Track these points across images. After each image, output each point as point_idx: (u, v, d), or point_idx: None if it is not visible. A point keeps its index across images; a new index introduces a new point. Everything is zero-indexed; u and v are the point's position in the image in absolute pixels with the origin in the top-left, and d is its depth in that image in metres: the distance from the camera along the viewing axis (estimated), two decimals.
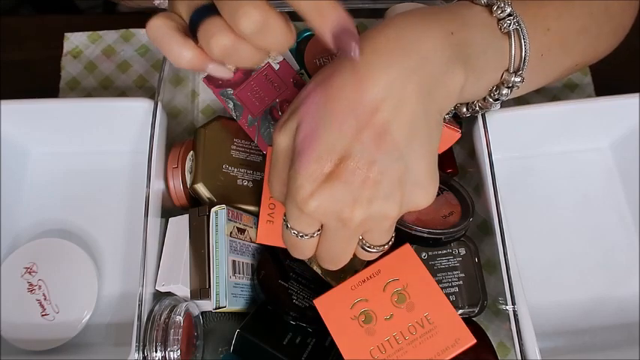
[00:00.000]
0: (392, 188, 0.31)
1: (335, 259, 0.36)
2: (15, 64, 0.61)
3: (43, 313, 0.48)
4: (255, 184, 0.49)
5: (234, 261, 0.44)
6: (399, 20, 0.33)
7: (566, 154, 0.56)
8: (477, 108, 0.39)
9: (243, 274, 0.46)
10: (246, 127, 0.48)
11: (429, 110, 0.32)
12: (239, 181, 0.48)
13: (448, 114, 0.41)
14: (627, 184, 0.55)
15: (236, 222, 0.46)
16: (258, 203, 0.48)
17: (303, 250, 0.36)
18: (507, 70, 0.36)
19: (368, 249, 0.35)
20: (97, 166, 0.56)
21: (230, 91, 0.48)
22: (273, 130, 0.36)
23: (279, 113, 0.48)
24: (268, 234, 0.45)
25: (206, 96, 0.58)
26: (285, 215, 0.34)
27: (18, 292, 0.48)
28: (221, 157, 0.49)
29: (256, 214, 0.49)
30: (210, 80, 0.49)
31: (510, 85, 0.36)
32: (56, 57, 0.61)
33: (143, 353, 0.40)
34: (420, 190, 0.32)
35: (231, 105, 0.48)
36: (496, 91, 0.37)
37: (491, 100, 0.38)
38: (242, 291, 0.45)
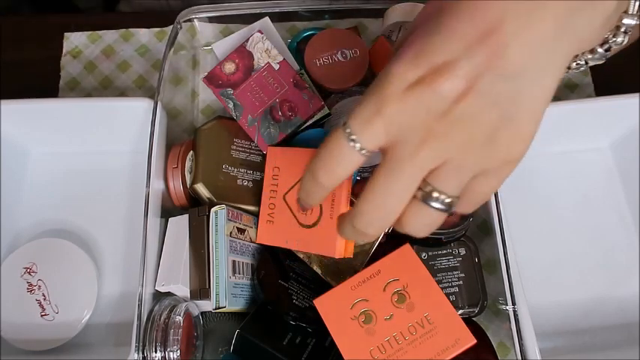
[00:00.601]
0: (489, 115, 0.26)
1: (382, 212, 0.28)
2: (15, 64, 0.61)
3: (43, 313, 0.48)
4: (255, 184, 0.49)
5: (234, 261, 0.44)
6: None
7: (566, 154, 0.56)
8: (583, 62, 0.34)
9: (243, 274, 0.45)
10: (246, 127, 0.48)
11: (561, 40, 0.26)
12: (239, 181, 0.48)
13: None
14: (627, 184, 0.55)
15: (236, 222, 0.46)
16: (258, 203, 0.48)
17: (340, 167, 0.28)
18: (626, 12, 0.30)
19: (427, 200, 0.27)
20: (97, 166, 0.56)
21: (230, 91, 0.48)
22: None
23: (279, 113, 0.48)
24: (268, 234, 0.45)
25: (206, 96, 0.58)
26: (347, 117, 0.28)
27: (18, 292, 0.48)
28: (221, 157, 0.49)
29: (256, 214, 0.49)
30: (210, 80, 0.49)
31: (630, 29, 0.31)
32: (56, 57, 0.61)
33: (143, 353, 0.40)
34: (517, 136, 0.27)
35: (231, 105, 0.48)
36: (613, 37, 0.31)
37: (601, 51, 0.32)
38: (242, 291, 0.45)
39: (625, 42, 0.32)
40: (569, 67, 0.34)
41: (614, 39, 0.32)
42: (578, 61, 0.34)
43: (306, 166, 0.30)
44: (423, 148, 0.26)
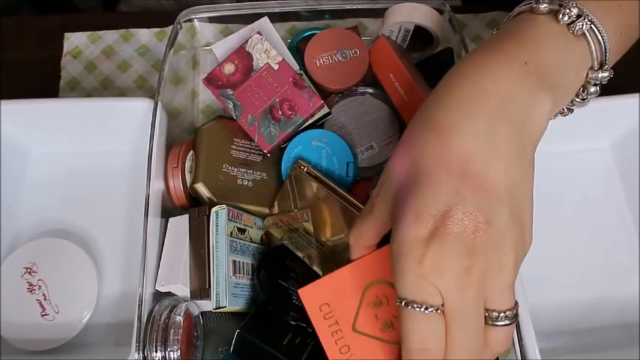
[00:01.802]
0: (503, 233, 0.29)
1: (475, 343, 0.30)
2: (15, 64, 0.61)
3: (43, 313, 0.48)
4: (255, 183, 0.49)
5: (234, 261, 0.44)
6: (468, 66, 0.32)
7: (566, 154, 0.56)
8: (565, 111, 0.38)
9: (243, 274, 0.45)
10: (246, 127, 0.48)
11: (522, 148, 0.31)
12: (239, 181, 0.48)
13: None
14: (627, 184, 0.55)
15: (236, 222, 0.46)
16: (258, 203, 0.48)
17: (433, 336, 0.29)
18: (592, 69, 0.34)
19: (496, 322, 0.30)
20: (97, 166, 0.56)
21: (230, 91, 0.48)
22: (369, 200, 0.35)
23: (279, 112, 0.48)
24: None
25: (206, 96, 0.58)
26: (398, 299, 0.30)
27: (18, 292, 0.48)
28: (221, 156, 0.49)
29: (256, 214, 0.49)
30: (209, 81, 0.49)
31: (598, 82, 0.34)
32: (56, 57, 0.61)
33: (143, 353, 0.40)
34: (529, 232, 0.31)
35: (230, 105, 0.48)
36: (583, 92, 0.36)
37: (578, 100, 0.36)
38: (242, 291, 0.45)
39: (598, 91, 0.35)
40: (555, 115, 0.38)
41: (586, 92, 0.35)
42: (561, 112, 0.38)
43: (353, 282, 0.36)
44: (471, 278, 0.28)
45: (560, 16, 0.32)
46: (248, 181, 0.49)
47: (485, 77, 0.31)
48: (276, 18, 0.52)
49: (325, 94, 0.51)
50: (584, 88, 0.35)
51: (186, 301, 0.44)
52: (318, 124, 0.50)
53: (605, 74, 0.34)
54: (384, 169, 0.34)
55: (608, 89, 0.54)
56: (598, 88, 0.35)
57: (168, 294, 0.45)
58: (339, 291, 0.38)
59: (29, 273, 0.49)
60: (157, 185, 0.46)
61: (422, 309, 0.29)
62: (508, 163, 0.30)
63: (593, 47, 0.33)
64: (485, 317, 0.30)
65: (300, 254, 0.46)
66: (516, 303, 0.31)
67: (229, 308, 0.43)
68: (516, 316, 0.31)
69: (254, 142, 0.49)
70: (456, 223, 0.28)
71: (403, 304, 0.29)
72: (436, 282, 0.29)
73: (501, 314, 0.30)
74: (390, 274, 0.36)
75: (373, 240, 0.35)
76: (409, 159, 0.31)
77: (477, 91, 0.31)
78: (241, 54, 0.49)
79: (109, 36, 0.62)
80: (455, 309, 0.29)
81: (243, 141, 0.50)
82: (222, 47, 0.52)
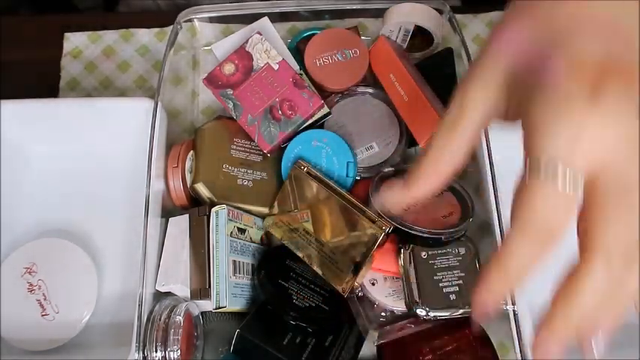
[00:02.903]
0: None
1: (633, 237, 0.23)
2: (15, 64, 0.61)
3: (43, 313, 0.48)
4: (255, 183, 0.49)
5: (234, 261, 0.44)
6: None
7: None
8: None
9: (244, 274, 0.45)
10: (246, 127, 0.48)
11: None
12: (239, 181, 0.48)
13: None
14: None
15: (236, 222, 0.46)
16: (258, 203, 0.48)
17: (557, 220, 0.24)
18: None
19: None
20: (97, 166, 0.56)
21: (230, 91, 0.48)
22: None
23: (279, 112, 0.48)
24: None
25: (206, 96, 0.58)
26: (530, 167, 0.23)
27: (18, 292, 0.48)
28: (221, 156, 0.49)
29: (256, 214, 0.49)
30: (210, 81, 0.49)
31: None
32: (56, 57, 0.61)
33: (143, 353, 0.40)
34: None
35: (230, 105, 0.48)
36: None
37: None
38: (242, 291, 0.45)
39: None
40: None
41: None
42: None
43: None
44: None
45: None
46: (248, 181, 0.49)
47: None
48: (276, 18, 0.52)
49: (325, 94, 0.51)
50: None
51: (186, 301, 0.44)
52: (318, 124, 0.50)
53: None
54: (480, 52, 0.27)
55: None
56: None
57: (168, 294, 0.45)
58: None
59: (29, 273, 0.49)
60: (157, 185, 0.46)
61: (566, 182, 0.22)
62: None
63: None
64: None
65: (300, 254, 0.46)
66: None
67: (229, 308, 0.43)
68: None
69: (254, 142, 0.49)
70: (622, 77, 0.22)
71: (538, 176, 0.22)
72: (597, 157, 0.22)
73: None
74: None
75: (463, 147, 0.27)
76: (534, 21, 0.26)
77: None
78: (241, 54, 0.49)
79: (109, 36, 0.62)
80: (620, 179, 0.22)
81: (243, 141, 0.50)
82: (222, 47, 0.52)
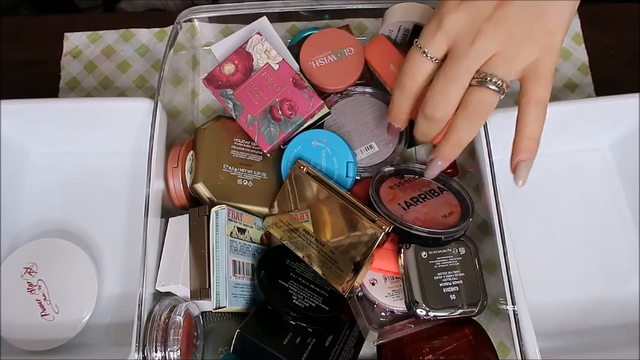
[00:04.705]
0: (525, 13, 0.34)
1: (445, 96, 0.36)
2: (15, 64, 0.61)
3: (43, 313, 0.48)
4: (255, 183, 0.49)
5: (234, 261, 0.44)
6: None
7: (566, 154, 0.56)
8: None
9: (244, 274, 0.45)
10: (246, 127, 0.48)
11: None
12: (239, 181, 0.48)
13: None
14: (627, 184, 0.55)
15: (236, 222, 0.46)
16: (258, 203, 0.48)
17: (418, 73, 0.38)
18: None
19: (485, 85, 0.35)
20: (97, 166, 0.56)
21: (230, 91, 0.48)
22: None
23: (279, 112, 0.48)
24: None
25: (206, 96, 0.58)
26: (418, 39, 0.38)
27: (18, 292, 0.48)
28: (221, 156, 0.49)
29: (256, 214, 0.49)
30: (209, 81, 0.49)
31: None
32: (56, 57, 0.61)
33: (143, 353, 0.40)
34: (548, 28, 0.34)
35: (230, 105, 0.48)
36: None
37: None
38: (242, 291, 0.45)
39: None
40: None
41: None
42: None
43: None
44: (475, 44, 0.34)
45: None
46: (248, 181, 0.49)
47: None
48: (276, 18, 0.52)
49: (325, 95, 0.51)
50: None
51: (186, 301, 0.44)
52: (318, 124, 0.50)
53: None
54: None
55: (608, 89, 0.54)
56: None
57: (168, 294, 0.45)
58: None
59: (29, 273, 0.49)
60: (157, 185, 0.46)
61: (422, 54, 0.37)
62: None
63: None
64: (475, 79, 0.35)
65: (300, 254, 0.46)
66: (507, 83, 0.35)
67: (229, 308, 0.43)
68: (502, 90, 0.35)
69: (254, 142, 0.49)
70: None
71: (415, 43, 0.38)
72: (449, 37, 0.35)
73: (488, 77, 0.35)
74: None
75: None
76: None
77: None
78: (241, 54, 0.49)
79: (109, 36, 0.62)
80: (451, 57, 0.36)
81: (243, 141, 0.50)
82: (221, 47, 0.52)
